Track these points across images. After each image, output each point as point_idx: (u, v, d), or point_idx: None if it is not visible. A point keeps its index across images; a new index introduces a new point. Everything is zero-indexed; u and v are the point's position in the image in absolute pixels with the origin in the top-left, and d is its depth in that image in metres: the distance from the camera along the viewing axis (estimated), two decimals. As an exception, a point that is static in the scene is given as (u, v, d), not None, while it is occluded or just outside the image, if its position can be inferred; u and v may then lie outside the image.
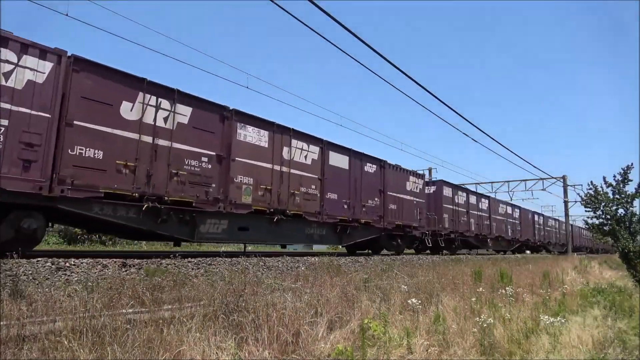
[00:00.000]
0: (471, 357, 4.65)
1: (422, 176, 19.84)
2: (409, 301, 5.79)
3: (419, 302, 5.73)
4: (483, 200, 27.54)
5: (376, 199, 16.16)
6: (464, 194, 24.52)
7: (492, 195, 35.73)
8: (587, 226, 16.10)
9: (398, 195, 17.60)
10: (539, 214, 39.58)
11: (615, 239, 12.36)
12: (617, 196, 12.60)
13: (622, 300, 9.33)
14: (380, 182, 16.54)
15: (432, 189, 21.86)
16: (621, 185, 12.56)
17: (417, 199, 18.97)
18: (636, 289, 11.52)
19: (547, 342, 5.35)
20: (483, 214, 27.06)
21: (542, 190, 39.86)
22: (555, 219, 46.32)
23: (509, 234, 31.21)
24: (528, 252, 36.36)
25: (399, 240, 17.77)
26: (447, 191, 22.53)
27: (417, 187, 19.01)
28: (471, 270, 10.01)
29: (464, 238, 23.88)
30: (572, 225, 48.17)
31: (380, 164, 16.73)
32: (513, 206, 33.67)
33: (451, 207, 22.51)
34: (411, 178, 18.87)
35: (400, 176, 18.03)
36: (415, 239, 19.43)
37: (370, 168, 16.11)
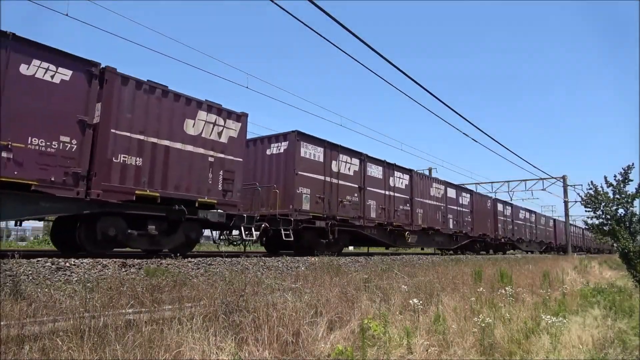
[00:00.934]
0: (471, 357, 4.65)
1: (236, 117, 11.17)
2: (410, 301, 5.79)
3: (420, 302, 5.73)
4: (398, 174, 18.43)
5: (66, 140, 7.97)
6: (356, 161, 15.79)
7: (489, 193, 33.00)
8: (586, 226, 16.13)
9: (156, 140, 9.31)
10: (505, 203, 32.13)
11: (615, 239, 12.37)
12: (618, 196, 12.61)
13: (622, 300, 9.32)
14: (84, 107, 8.23)
15: (282, 146, 13.42)
16: (621, 185, 12.58)
17: (220, 155, 10.58)
18: (636, 289, 11.52)
19: (547, 342, 5.35)
20: (398, 194, 18.11)
21: (542, 190, 39.92)
22: (530, 211, 37.39)
23: (450, 226, 22.54)
24: (492, 252, 29.07)
25: (154, 226, 9.36)
26: (311, 152, 13.77)
27: (221, 134, 10.65)
28: (471, 270, 10.01)
29: (352, 229, 15.39)
30: (557, 220, 45.50)
31: (88, 68, 8.29)
32: (459, 189, 24.72)
33: (321, 178, 13.90)
34: (201, 114, 10.29)
35: (163, 105, 9.54)
36: (210, 225, 11.19)
37: (38, 70, 7.69)
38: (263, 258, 10.07)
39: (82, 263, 6.89)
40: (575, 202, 42.33)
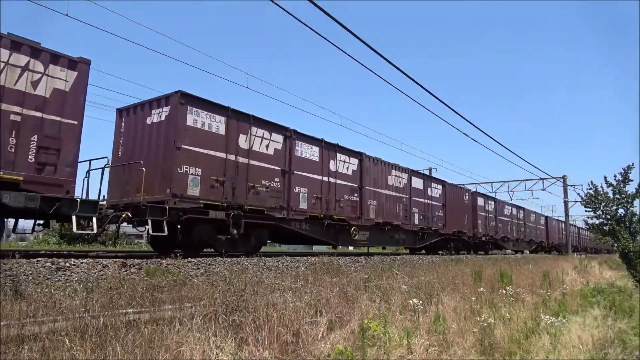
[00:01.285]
0: (471, 357, 4.65)
1: (68, 62, 8.25)
2: (410, 302, 5.79)
3: (420, 302, 5.73)
4: (342, 157, 15.22)
5: None
6: (278, 138, 12.64)
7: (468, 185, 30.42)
8: (586, 226, 16.14)
9: None
10: (487, 197, 29.17)
11: (615, 239, 12.38)
12: (618, 196, 12.63)
13: (622, 300, 9.32)
14: None
15: (164, 112, 10.42)
16: (621, 185, 12.59)
17: (35, 113, 7.73)
18: (636, 289, 11.52)
19: (548, 342, 5.35)
20: (341, 181, 15.03)
21: (542, 190, 39.94)
22: (517, 207, 34.84)
23: (415, 222, 19.44)
24: (465, 253, 25.10)
25: None
26: (205, 121, 10.81)
27: (37, 84, 7.81)
28: (471, 270, 10.01)
29: (270, 223, 12.39)
30: (549, 217, 44.75)
31: None
32: (428, 178, 21.57)
33: (222, 155, 11.03)
34: None
35: None
36: (17, 213, 8.36)
37: None
38: (263, 258, 10.08)
39: (82, 263, 6.90)
40: (575, 202, 42.27)
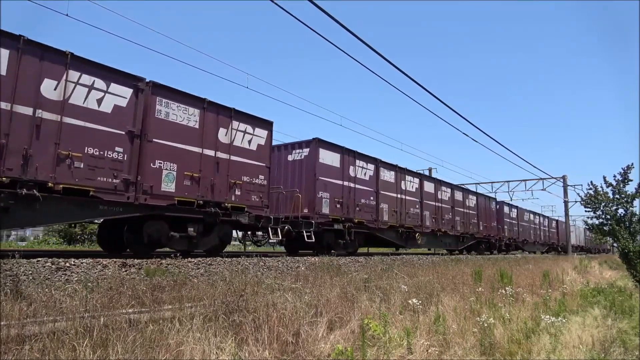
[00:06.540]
0: (472, 357, 4.64)
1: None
2: (410, 301, 5.79)
3: (420, 302, 5.73)
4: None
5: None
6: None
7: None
8: (586, 226, 16.15)
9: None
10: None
11: (615, 239, 12.38)
12: (617, 196, 12.63)
13: (622, 300, 9.32)
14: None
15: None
16: (621, 185, 12.59)
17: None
18: (636, 289, 11.52)
19: (548, 342, 5.35)
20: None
21: (542, 190, 39.84)
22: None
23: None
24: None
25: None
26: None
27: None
28: (471, 270, 10.01)
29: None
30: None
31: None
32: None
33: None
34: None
35: None
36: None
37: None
38: (263, 258, 10.07)
39: (82, 263, 6.89)
40: (575, 202, 42.14)
